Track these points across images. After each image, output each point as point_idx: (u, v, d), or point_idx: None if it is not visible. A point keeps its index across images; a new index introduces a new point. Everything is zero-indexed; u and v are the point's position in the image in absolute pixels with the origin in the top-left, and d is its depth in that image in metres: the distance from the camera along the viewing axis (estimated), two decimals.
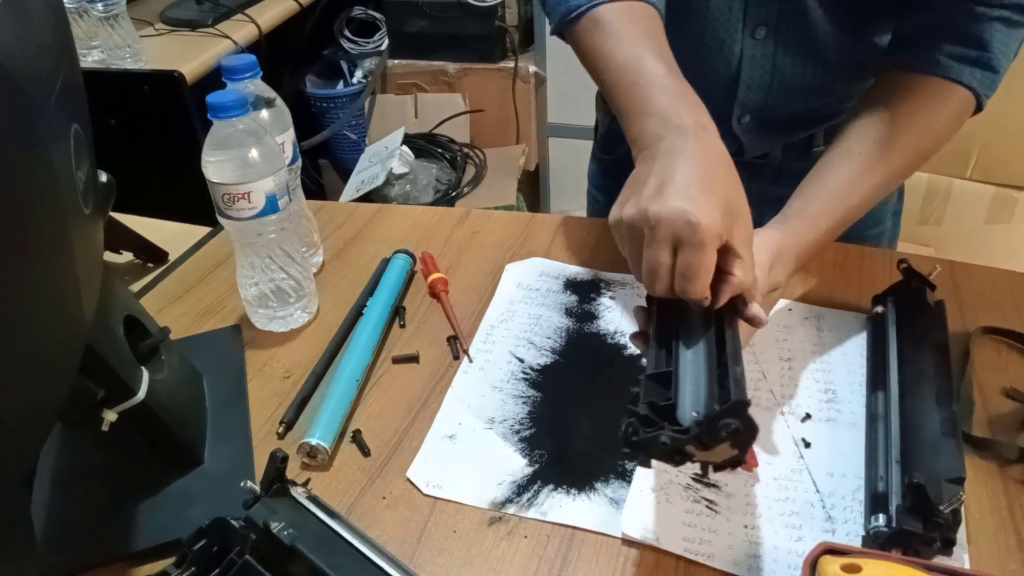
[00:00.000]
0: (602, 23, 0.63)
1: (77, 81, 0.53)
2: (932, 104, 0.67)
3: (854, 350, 0.69)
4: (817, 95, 0.80)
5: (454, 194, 2.01)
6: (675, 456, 0.46)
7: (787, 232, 0.64)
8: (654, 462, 0.47)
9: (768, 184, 0.88)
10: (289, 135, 0.74)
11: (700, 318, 0.53)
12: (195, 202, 0.69)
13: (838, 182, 0.66)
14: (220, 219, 0.68)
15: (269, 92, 0.73)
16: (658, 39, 0.63)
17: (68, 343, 0.45)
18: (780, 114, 0.81)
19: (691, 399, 0.47)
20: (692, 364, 0.50)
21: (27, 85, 0.39)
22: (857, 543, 0.53)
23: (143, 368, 0.57)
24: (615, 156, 1.00)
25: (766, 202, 0.88)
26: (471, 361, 0.70)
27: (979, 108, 0.68)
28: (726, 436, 0.44)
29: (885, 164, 0.66)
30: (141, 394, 0.55)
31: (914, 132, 0.66)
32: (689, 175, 0.52)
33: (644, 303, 0.59)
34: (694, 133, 0.54)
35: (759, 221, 0.84)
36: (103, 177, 0.71)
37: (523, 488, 0.58)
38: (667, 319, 0.55)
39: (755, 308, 0.54)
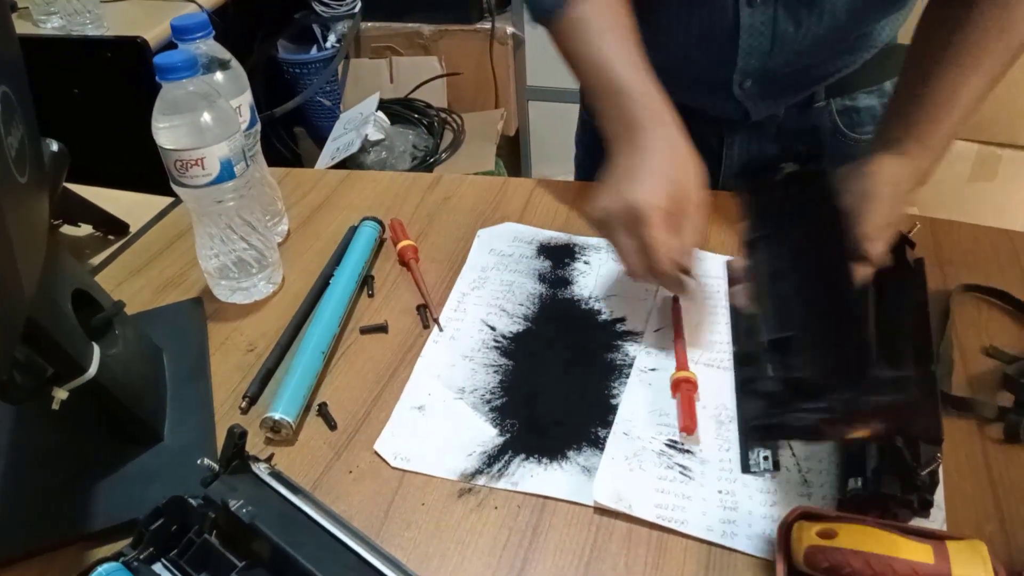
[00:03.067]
0: (574, 24, 0.68)
1: (6, 44, 0.50)
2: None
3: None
4: (820, 52, 0.77)
5: (432, 160, 1.97)
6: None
7: (906, 159, 0.62)
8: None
9: (768, 143, 0.86)
10: (246, 98, 0.71)
11: (813, 262, 0.56)
12: (161, 171, 0.67)
13: (942, 96, 0.63)
14: (174, 187, 0.65)
15: (223, 53, 0.69)
16: (626, 34, 0.67)
17: (3, 318, 0.43)
18: (782, 74, 0.78)
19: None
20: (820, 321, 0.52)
21: None
22: (833, 506, 0.52)
23: (94, 344, 0.55)
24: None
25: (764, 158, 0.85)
26: (441, 330, 0.68)
27: None
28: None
29: (983, 69, 0.63)
30: (92, 371, 0.53)
31: (1002, 28, 0.62)
32: (637, 167, 0.61)
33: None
34: (639, 116, 0.63)
35: None
36: (54, 147, 0.68)
37: (494, 458, 0.57)
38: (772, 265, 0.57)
39: (875, 247, 0.58)
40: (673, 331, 0.66)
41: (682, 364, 0.62)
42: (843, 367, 0.49)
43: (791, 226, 0.58)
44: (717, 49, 0.76)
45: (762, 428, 0.52)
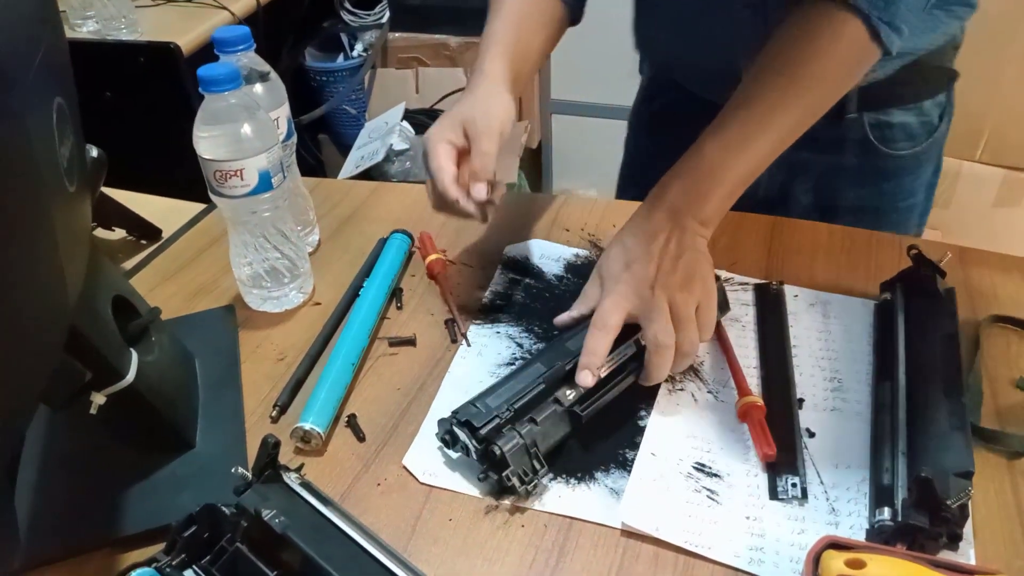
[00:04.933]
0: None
1: (61, 53, 0.51)
2: (811, 30, 0.62)
3: (861, 338, 0.68)
4: None
5: None
6: None
7: (670, 185, 0.64)
8: None
9: (799, 148, 0.85)
10: (284, 110, 0.72)
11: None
12: (191, 178, 0.68)
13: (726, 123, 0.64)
14: (212, 197, 0.66)
15: (263, 65, 0.70)
16: (517, 14, 0.75)
17: (50, 325, 0.44)
18: None
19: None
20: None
21: (1, 56, 0.37)
22: (861, 536, 0.52)
23: (132, 350, 0.56)
24: (656, 107, 0.98)
25: (794, 167, 0.83)
26: (468, 345, 0.69)
27: (876, 35, 0.61)
28: None
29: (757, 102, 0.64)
30: (130, 377, 0.54)
31: (791, 62, 0.62)
32: (449, 110, 0.70)
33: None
34: (473, 79, 0.72)
35: (788, 187, 0.77)
36: (93, 152, 0.70)
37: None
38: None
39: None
40: (721, 354, 0.66)
41: (744, 390, 0.62)
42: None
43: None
44: (721, 44, 0.78)
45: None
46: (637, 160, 1.05)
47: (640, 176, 1.01)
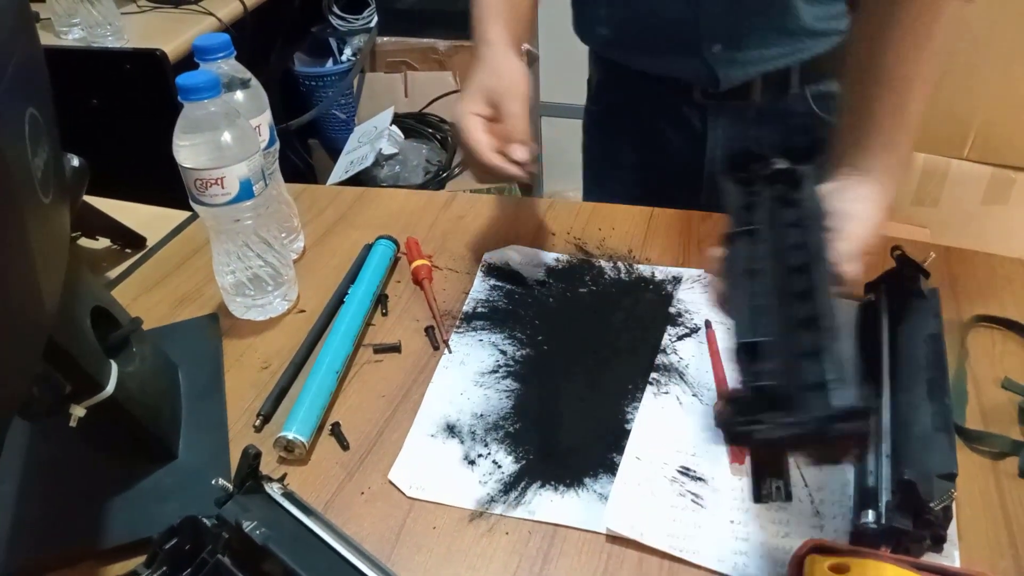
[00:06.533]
0: None
1: (36, 63, 0.50)
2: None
3: (844, 340, 0.67)
4: (781, 17, 0.79)
5: (444, 175, 1.98)
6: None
7: (876, 186, 0.61)
8: None
9: (750, 126, 0.88)
10: (265, 117, 0.72)
11: (791, 268, 0.51)
12: (177, 185, 0.68)
13: (895, 119, 0.63)
14: (194, 205, 0.65)
15: (244, 73, 0.70)
16: None
17: (26, 338, 0.43)
18: (749, 42, 0.81)
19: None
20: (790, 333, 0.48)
21: None
22: (845, 539, 0.52)
23: (112, 361, 0.55)
24: (603, 105, 1.01)
25: (748, 143, 0.86)
26: (450, 352, 0.68)
27: None
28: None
29: (922, 77, 0.63)
30: (110, 388, 0.53)
31: (929, 34, 0.62)
32: (465, 86, 0.73)
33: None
34: (479, 50, 0.74)
35: None
36: (75, 161, 0.69)
37: (510, 486, 0.56)
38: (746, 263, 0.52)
39: (851, 268, 0.54)
40: (707, 357, 0.66)
41: (722, 392, 0.62)
42: (810, 385, 0.45)
43: (773, 226, 0.55)
44: (684, 12, 0.80)
45: (727, 434, 0.51)
46: (595, 159, 1.08)
47: (599, 175, 1.06)
